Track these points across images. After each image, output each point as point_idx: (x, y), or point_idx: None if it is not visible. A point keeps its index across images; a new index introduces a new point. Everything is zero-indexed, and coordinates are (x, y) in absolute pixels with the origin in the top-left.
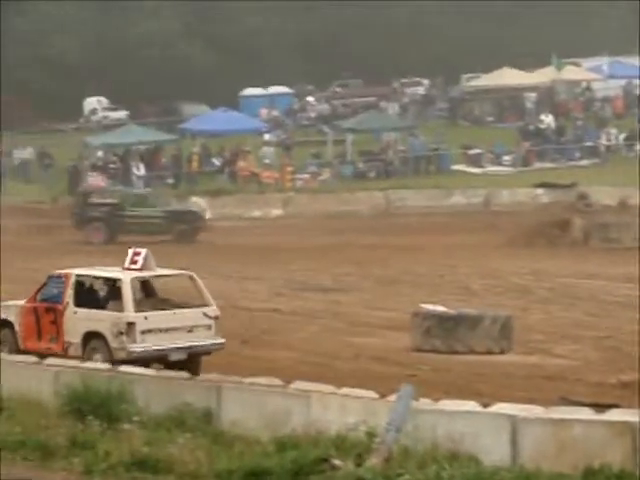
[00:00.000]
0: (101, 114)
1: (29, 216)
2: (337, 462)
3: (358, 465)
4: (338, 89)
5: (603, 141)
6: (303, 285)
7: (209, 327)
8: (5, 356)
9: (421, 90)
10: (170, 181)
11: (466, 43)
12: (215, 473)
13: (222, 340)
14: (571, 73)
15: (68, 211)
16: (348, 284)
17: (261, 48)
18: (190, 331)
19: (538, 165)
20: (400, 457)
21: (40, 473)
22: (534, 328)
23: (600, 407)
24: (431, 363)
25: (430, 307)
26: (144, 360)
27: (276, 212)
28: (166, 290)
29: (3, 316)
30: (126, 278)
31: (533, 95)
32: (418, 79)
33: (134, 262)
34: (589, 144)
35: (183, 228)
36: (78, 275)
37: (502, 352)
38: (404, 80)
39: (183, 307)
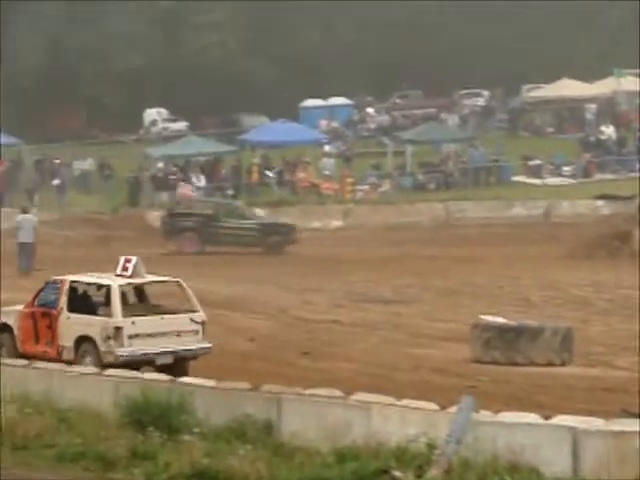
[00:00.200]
0: (161, 125)
1: (91, 226)
2: (397, 474)
3: (418, 477)
4: (398, 100)
5: None
6: (363, 296)
7: (196, 332)
8: (64, 367)
9: (481, 101)
10: (230, 192)
11: (526, 54)
12: None
13: (209, 345)
14: (631, 84)
15: (131, 222)
16: (408, 295)
17: (321, 60)
18: (177, 336)
19: (598, 176)
20: (460, 469)
21: None
22: (594, 340)
23: None
24: (491, 375)
25: (490, 318)
26: (132, 364)
27: (336, 223)
28: (163, 295)
29: (3, 320)
30: (114, 284)
31: (593, 106)
32: (478, 90)
33: (125, 269)
34: None
35: (276, 240)
36: (72, 282)
37: (563, 364)
38: (464, 91)
39: (171, 313)
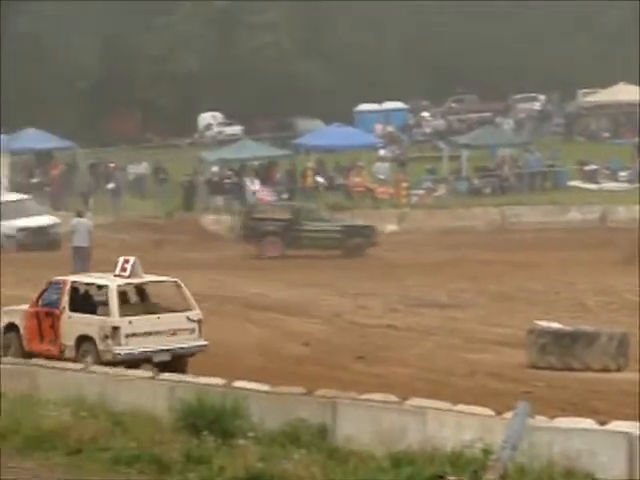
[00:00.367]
0: (216, 129)
1: (146, 230)
2: (453, 479)
3: None
4: (453, 104)
5: None
6: (418, 301)
7: (192, 330)
8: (119, 371)
9: (537, 105)
10: (285, 196)
11: (582, 58)
12: None
13: (205, 342)
14: None
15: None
16: (463, 300)
17: (376, 64)
18: (174, 334)
19: None
20: (516, 474)
21: None
22: None
23: None
24: (547, 380)
25: (545, 324)
26: (130, 362)
27: (391, 227)
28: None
29: (10, 320)
30: (112, 285)
31: None
32: (534, 94)
33: (124, 269)
34: None
35: (357, 242)
36: (73, 282)
37: (619, 369)
38: (520, 95)
39: (169, 311)
